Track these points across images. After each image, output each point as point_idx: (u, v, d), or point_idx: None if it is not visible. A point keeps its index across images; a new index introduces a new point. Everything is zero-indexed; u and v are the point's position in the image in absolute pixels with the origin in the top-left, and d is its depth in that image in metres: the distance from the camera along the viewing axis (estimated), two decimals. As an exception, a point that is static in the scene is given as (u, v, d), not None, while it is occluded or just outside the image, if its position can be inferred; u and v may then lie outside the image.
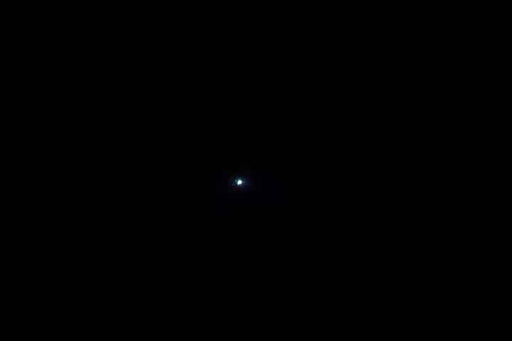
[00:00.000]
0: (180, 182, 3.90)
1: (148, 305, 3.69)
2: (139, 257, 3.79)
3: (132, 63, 3.84)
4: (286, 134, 3.90)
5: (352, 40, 3.85)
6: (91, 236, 3.78)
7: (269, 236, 3.86)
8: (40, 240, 3.73)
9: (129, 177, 3.88)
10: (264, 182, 3.94)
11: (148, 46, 3.83)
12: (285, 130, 3.89)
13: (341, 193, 3.88)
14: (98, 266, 3.74)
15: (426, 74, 3.86)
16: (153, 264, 3.78)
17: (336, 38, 3.84)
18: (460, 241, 3.77)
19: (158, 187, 3.89)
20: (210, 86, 3.90)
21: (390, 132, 3.86)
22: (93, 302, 3.68)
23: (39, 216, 3.76)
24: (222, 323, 3.68)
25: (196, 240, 3.85)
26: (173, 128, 3.91)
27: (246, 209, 3.92)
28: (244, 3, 3.80)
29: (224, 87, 3.91)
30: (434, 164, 3.85)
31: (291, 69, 3.87)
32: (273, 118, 3.89)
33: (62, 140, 3.83)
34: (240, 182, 3.92)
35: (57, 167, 3.82)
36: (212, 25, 3.82)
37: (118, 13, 3.80)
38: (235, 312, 3.70)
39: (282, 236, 3.86)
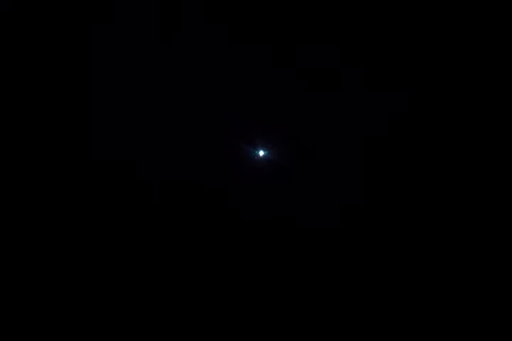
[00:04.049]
0: (200, 154, 3.81)
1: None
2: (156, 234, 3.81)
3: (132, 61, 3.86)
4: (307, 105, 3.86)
5: (352, 39, 3.86)
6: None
7: (291, 209, 3.81)
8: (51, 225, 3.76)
9: (149, 154, 3.83)
10: (286, 153, 3.79)
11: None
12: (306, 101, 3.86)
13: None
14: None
15: (426, 73, 3.87)
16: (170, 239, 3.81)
17: (336, 37, 3.86)
18: (460, 241, 3.77)
19: (178, 161, 3.83)
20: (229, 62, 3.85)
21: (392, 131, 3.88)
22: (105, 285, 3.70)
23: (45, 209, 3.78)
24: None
25: (217, 212, 3.82)
26: (194, 100, 3.83)
27: (268, 181, 3.78)
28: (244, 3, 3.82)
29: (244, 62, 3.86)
30: (433, 163, 3.85)
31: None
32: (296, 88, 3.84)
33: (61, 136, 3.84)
34: (261, 152, 3.79)
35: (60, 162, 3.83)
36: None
37: (118, 13, 3.82)
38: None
39: (305, 210, 3.82)
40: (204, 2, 3.82)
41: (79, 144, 3.84)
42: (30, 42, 3.80)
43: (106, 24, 3.82)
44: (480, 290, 3.68)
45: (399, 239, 3.81)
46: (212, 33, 3.81)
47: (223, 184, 3.81)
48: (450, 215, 3.81)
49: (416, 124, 3.85)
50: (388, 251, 3.80)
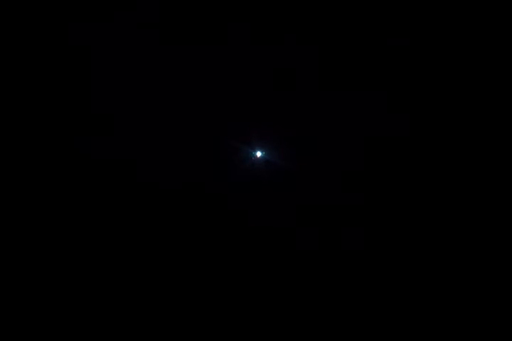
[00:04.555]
0: (198, 154, 3.79)
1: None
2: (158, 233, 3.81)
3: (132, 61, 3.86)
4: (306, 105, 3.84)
5: (352, 39, 3.86)
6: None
7: (289, 210, 3.80)
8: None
9: (148, 156, 3.83)
10: (284, 154, 3.75)
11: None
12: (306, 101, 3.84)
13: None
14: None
15: (426, 74, 3.87)
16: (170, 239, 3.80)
17: (336, 37, 3.86)
18: (460, 242, 3.77)
19: (176, 162, 3.81)
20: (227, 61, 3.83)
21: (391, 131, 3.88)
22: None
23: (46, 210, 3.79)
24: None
25: (214, 212, 3.81)
26: (192, 101, 3.81)
27: (266, 182, 3.74)
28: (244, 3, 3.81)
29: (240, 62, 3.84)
30: (433, 164, 3.85)
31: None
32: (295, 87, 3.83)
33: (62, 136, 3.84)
34: (259, 153, 3.74)
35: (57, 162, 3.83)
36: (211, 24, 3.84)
37: (118, 13, 3.82)
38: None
39: (303, 210, 3.81)
40: (204, 2, 3.82)
41: (79, 144, 3.84)
42: (30, 42, 3.80)
43: (106, 24, 3.82)
44: (480, 290, 3.68)
45: (398, 240, 3.81)
46: (211, 33, 3.81)
47: (220, 184, 3.80)
48: (450, 218, 3.81)
49: (415, 125, 3.85)
50: (388, 252, 3.80)
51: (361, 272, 3.77)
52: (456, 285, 3.71)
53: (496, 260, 3.72)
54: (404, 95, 3.86)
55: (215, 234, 3.80)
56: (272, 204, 3.77)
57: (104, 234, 3.79)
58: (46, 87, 3.83)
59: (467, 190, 3.81)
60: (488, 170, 3.81)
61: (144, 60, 3.82)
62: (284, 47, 3.82)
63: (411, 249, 3.79)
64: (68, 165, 3.83)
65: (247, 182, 3.78)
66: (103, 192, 3.82)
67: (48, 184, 3.80)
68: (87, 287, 3.71)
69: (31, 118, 3.81)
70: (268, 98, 3.81)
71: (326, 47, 3.83)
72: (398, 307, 3.70)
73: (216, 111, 3.80)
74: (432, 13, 3.80)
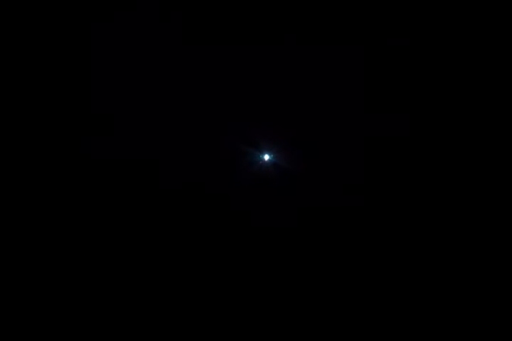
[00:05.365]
0: (205, 159, 3.78)
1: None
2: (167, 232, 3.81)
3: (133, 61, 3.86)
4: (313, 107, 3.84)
5: (354, 40, 3.86)
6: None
7: (297, 213, 3.79)
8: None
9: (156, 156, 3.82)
10: (291, 157, 3.75)
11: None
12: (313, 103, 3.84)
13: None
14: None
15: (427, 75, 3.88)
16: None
17: (339, 37, 3.86)
18: (460, 241, 3.78)
19: (183, 165, 3.80)
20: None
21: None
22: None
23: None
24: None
25: (223, 218, 3.80)
26: (200, 103, 3.80)
27: (274, 186, 3.73)
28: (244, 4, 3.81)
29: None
30: (433, 163, 3.86)
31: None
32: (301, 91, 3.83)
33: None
34: (267, 157, 3.74)
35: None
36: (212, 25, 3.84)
37: (118, 13, 3.81)
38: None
39: (310, 213, 3.80)
40: (204, 2, 3.82)
41: (79, 144, 3.84)
42: (30, 43, 3.79)
43: (106, 24, 3.81)
44: (480, 291, 3.70)
45: (404, 247, 3.81)
46: (215, 33, 3.80)
47: (228, 187, 3.79)
48: (453, 223, 3.82)
49: (417, 125, 3.86)
50: (393, 259, 3.80)
51: (366, 276, 3.78)
52: (456, 285, 3.73)
53: (495, 258, 3.74)
54: (405, 95, 3.86)
55: (223, 239, 3.79)
56: (280, 208, 3.77)
57: (113, 234, 3.79)
58: (46, 87, 3.83)
59: (467, 189, 3.83)
60: (488, 169, 3.82)
61: (149, 62, 3.81)
62: (285, 48, 3.82)
63: (416, 252, 3.80)
64: (68, 165, 3.83)
65: (255, 186, 3.77)
66: (117, 193, 3.82)
67: (47, 184, 3.80)
68: (88, 286, 3.71)
69: (31, 118, 3.81)
70: (276, 101, 3.80)
71: (326, 48, 3.83)
72: (398, 309, 3.71)
73: (224, 115, 3.80)
74: (432, 13, 3.81)
